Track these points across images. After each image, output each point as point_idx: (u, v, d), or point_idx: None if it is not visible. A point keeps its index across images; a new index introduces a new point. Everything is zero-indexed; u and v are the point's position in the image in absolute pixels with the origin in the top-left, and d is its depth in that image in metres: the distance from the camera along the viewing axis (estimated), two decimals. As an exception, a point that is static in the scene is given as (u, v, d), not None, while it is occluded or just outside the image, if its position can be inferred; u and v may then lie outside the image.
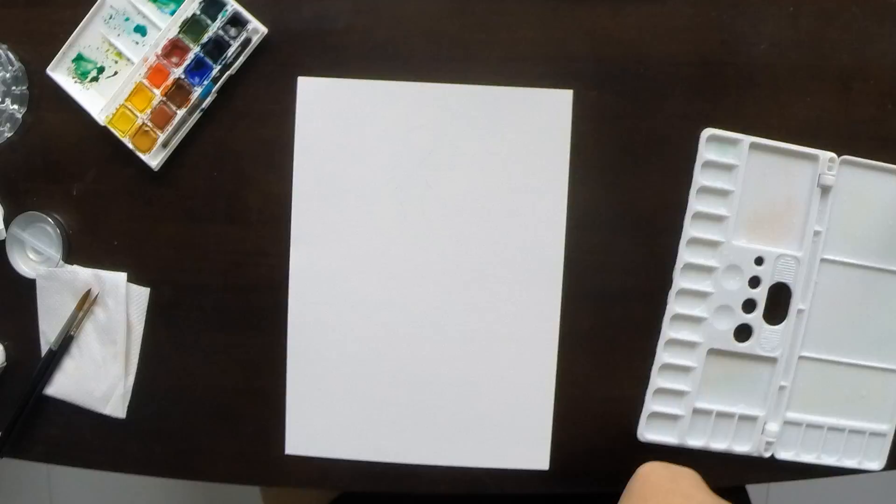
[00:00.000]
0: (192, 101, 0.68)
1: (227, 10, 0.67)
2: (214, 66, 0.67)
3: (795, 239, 0.65)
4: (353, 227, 0.68)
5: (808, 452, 0.67)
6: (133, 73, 0.68)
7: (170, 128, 0.68)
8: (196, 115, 0.68)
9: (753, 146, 0.64)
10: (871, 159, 0.66)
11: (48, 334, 0.71)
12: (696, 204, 0.65)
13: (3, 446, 0.71)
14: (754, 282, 0.65)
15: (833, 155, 0.64)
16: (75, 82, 0.69)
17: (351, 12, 0.67)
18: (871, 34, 0.65)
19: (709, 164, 0.65)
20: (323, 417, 0.70)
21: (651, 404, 0.67)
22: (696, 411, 0.66)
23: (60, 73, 0.69)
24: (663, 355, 0.66)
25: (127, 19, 0.68)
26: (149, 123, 0.68)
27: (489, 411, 0.69)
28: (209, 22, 0.67)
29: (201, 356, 0.71)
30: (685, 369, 0.66)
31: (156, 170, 0.69)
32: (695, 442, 0.67)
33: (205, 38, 0.67)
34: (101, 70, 0.69)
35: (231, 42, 0.67)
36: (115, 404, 0.71)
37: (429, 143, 0.67)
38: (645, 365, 0.68)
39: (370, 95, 0.67)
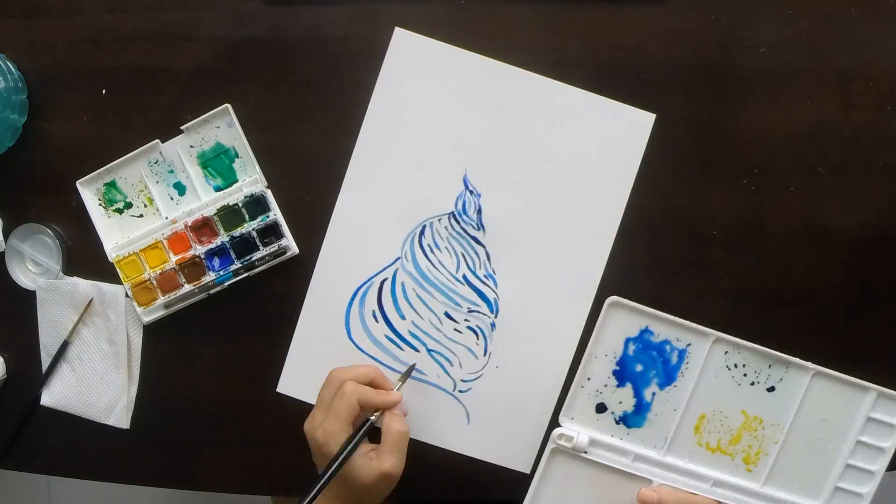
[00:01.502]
0: (203, 283, 0.68)
1: (268, 217, 0.67)
2: (236, 261, 0.67)
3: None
4: (404, 191, 0.68)
5: None
6: (157, 229, 0.68)
7: (173, 296, 0.68)
8: (203, 295, 0.68)
9: None
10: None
11: (48, 346, 0.71)
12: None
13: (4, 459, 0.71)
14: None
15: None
16: (99, 205, 0.69)
17: (349, 20, 0.67)
18: (870, 36, 0.65)
19: None
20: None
21: None
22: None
23: (88, 190, 0.69)
24: None
25: (171, 171, 0.68)
26: (154, 283, 0.68)
27: (496, 404, 0.68)
28: (247, 218, 0.67)
29: (203, 366, 0.70)
30: None
31: (144, 324, 0.69)
32: None
33: (237, 232, 0.67)
34: (128, 206, 0.69)
35: (260, 247, 0.67)
36: (118, 415, 0.71)
37: (505, 127, 0.67)
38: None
39: (461, 64, 0.66)
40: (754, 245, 0.67)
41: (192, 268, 0.68)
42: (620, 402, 0.66)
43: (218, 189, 0.68)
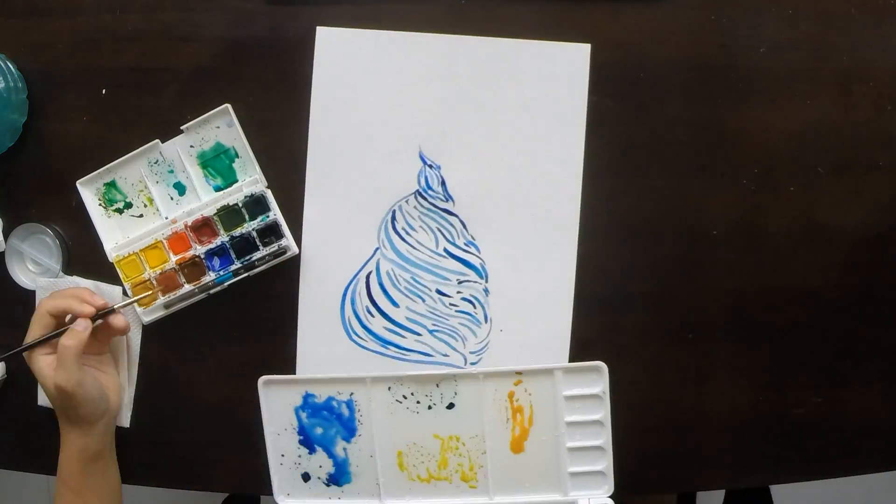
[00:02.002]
0: (203, 282, 0.68)
1: (268, 216, 0.67)
2: (236, 261, 0.67)
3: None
4: (366, 181, 0.68)
5: None
6: (157, 229, 0.68)
7: (173, 295, 0.68)
8: (203, 295, 0.68)
9: None
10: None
11: (49, 346, 0.71)
12: None
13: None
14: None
15: None
16: (99, 205, 0.69)
17: (350, 20, 0.67)
18: (870, 36, 0.65)
19: None
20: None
21: None
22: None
23: (88, 190, 0.69)
24: None
25: (171, 171, 0.68)
26: (154, 283, 0.68)
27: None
28: (247, 218, 0.67)
29: (203, 366, 0.70)
30: None
31: (144, 324, 0.69)
32: None
33: (237, 232, 0.67)
34: (128, 206, 0.69)
35: (260, 247, 0.67)
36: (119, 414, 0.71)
37: (447, 95, 0.67)
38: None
39: (390, 46, 0.66)
40: (754, 245, 0.67)
41: (192, 268, 0.68)
42: (321, 466, 0.67)
43: (218, 189, 0.68)
